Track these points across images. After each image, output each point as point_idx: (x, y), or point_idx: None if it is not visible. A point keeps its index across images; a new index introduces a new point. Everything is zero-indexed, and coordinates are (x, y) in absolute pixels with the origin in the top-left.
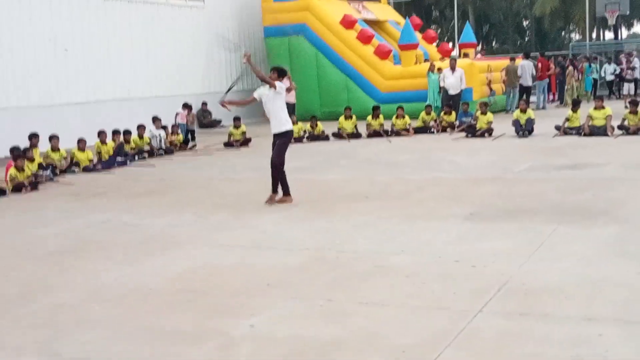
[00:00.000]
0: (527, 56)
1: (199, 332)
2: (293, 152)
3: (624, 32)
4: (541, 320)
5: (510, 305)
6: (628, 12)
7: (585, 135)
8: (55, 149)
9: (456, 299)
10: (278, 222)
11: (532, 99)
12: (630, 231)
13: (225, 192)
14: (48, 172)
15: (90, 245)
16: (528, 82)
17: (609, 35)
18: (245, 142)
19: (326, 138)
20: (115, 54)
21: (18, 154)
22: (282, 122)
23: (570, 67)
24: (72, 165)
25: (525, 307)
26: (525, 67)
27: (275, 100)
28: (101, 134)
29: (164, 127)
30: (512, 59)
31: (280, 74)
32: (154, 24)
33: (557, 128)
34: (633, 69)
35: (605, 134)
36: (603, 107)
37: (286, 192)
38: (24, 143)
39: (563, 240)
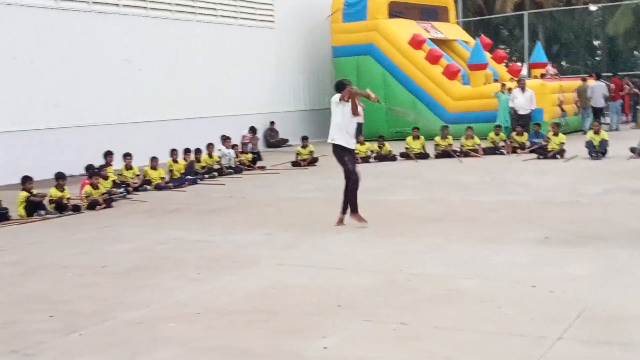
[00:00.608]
0: (598, 77)
1: (272, 352)
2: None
3: None
4: (624, 348)
5: (590, 333)
6: None
7: None
8: (128, 167)
9: (534, 325)
10: (347, 242)
11: (606, 120)
12: None
13: (294, 211)
14: (122, 189)
15: (165, 263)
16: (599, 103)
17: None
18: (312, 161)
19: (393, 158)
20: (187, 73)
21: (93, 172)
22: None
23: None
24: (145, 183)
25: (607, 335)
26: (596, 88)
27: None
28: (173, 153)
29: (234, 146)
30: (584, 79)
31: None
32: (225, 44)
33: (632, 150)
34: None
35: None
36: None
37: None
38: (99, 161)
39: None
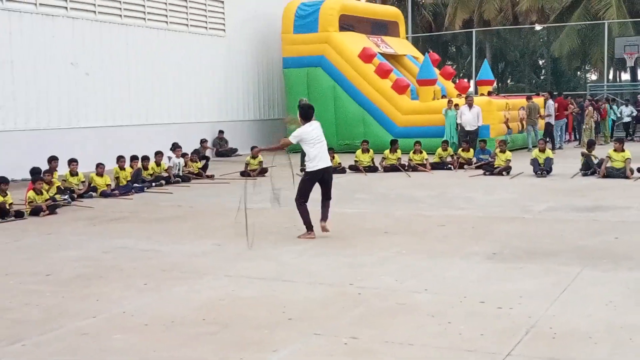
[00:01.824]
0: (551, 95)
1: None
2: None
3: None
4: None
5: (539, 350)
6: None
7: (604, 176)
8: (74, 173)
9: (484, 341)
10: (298, 254)
11: None
12: None
13: (244, 221)
14: (66, 196)
15: (111, 272)
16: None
17: (625, 76)
18: (262, 171)
19: (343, 171)
20: (135, 79)
21: (37, 177)
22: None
23: (590, 108)
24: (90, 189)
25: (554, 352)
26: (551, 107)
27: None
28: (120, 159)
29: (184, 155)
30: (530, 98)
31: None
32: (174, 51)
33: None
34: None
35: (624, 176)
36: (623, 150)
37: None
38: (44, 166)
39: (588, 283)
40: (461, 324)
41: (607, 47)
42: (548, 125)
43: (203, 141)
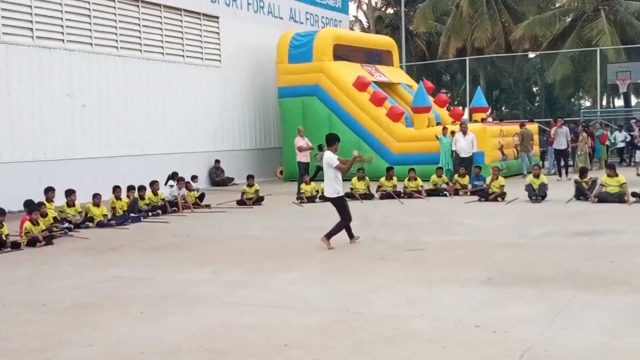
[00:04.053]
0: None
1: None
2: (306, 213)
3: (633, 100)
4: None
5: None
6: (639, 80)
7: (597, 201)
8: (71, 204)
9: None
10: (295, 281)
11: (545, 164)
12: None
13: (241, 250)
14: (65, 224)
15: (108, 301)
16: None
17: (618, 102)
18: (258, 200)
19: None
20: (132, 110)
21: (32, 208)
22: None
23: (584, 134)
24: (87, 220)
25: None
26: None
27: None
28: (116, 190)
29: (187, 184)
30: (523, 125)
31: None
32: (171, 82)
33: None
34: None
35: (618, 201)
36: (616, 175)
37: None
38: (41, 197)
39: (583, 308)
40: (456, 349)
41: (599, 74)
42: (565, 151)
43: (193, 177)
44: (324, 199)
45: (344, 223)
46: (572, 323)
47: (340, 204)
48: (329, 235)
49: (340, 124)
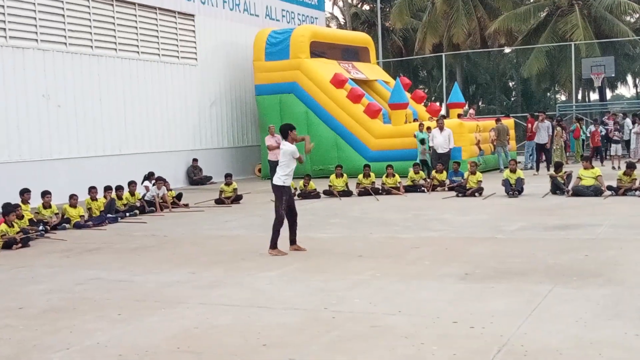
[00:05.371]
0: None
1: None
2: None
3: (608, 94)
4: None
5: None
6: (613, 75)
7: (573, 195)
8: (47, 205)
9: None
10: (272, 280)
11: (520, 159)
12: (625, 293)
13: (219, 249)
14: (41, 227)
15: (84, 303)
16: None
17: (593, 96)
18: (236, 198)
19: (317, 196)
20: (107, 110)
21: (9, 210)
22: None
23: (559, 128)
24: (64, 221)
25: None
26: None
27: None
28: (91, 190)
29: (165, 183)
30: (499, 120)
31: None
32: (147, 81)
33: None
34: (620, 130)
35: (594, 194)
36: (592, 167)
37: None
38: (16, 198)
39: (559, 301)
40: (434, 345)
41: (574, 68)
42: (546, 146)
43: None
44: (302, 196)
45: (276, 221)
46: (548, 316)
47: (279, 196)
48: (273, 244)
49: (318, 121)
